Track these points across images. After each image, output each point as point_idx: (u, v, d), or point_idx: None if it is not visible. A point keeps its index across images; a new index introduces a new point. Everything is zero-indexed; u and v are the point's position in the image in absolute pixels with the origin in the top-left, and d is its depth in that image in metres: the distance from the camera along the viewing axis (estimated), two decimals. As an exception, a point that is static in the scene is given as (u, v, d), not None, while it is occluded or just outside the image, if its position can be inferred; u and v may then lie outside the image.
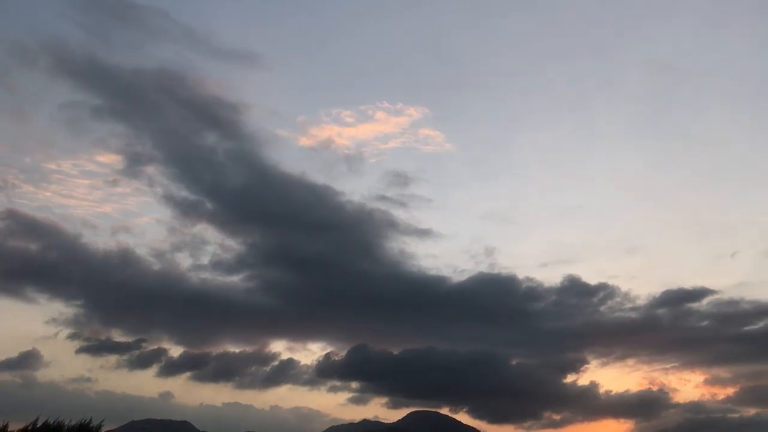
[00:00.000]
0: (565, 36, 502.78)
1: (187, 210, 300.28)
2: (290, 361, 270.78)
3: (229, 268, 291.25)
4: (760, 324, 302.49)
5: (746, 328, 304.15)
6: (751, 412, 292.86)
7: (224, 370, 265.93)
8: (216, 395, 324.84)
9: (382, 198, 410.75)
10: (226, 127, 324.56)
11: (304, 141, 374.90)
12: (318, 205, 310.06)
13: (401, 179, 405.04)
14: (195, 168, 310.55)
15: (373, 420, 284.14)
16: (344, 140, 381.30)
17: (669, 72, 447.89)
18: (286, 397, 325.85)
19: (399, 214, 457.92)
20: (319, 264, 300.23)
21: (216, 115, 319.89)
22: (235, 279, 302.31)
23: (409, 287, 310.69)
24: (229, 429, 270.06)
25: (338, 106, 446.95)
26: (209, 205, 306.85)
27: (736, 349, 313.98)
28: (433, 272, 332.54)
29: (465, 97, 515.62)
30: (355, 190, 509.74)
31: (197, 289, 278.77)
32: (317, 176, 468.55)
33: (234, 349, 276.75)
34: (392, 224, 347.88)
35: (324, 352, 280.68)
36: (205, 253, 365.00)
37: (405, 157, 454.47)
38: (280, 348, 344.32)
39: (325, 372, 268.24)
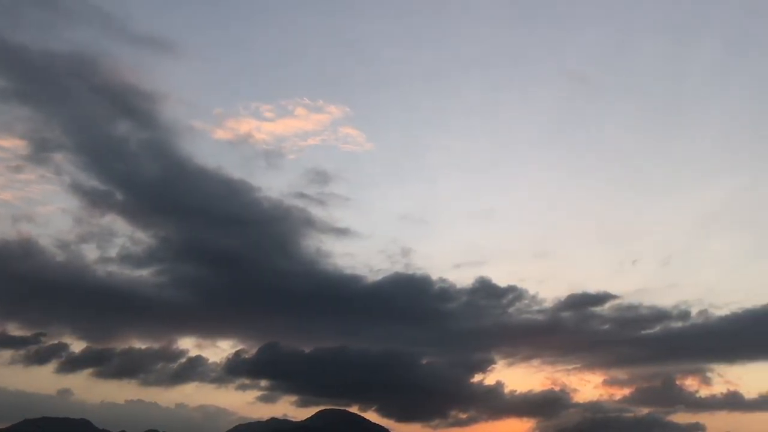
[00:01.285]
0: (481, 43, 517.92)
1: (95, 200, 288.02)
2: (199, 358, 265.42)
3: (139, 261, 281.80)
4: (657, 328, 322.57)
5: (644, 332, 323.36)
6: (644, 411, 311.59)
7: (129, 367, 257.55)
8: (119, 392, 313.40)
9: (301, 195, 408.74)
10: (140, 116, 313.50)
11: (221, 134, 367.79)
12: (234, 200, 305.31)
13: (321, 177, 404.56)
14: (106, 157, 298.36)
15: (282, 418, 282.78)
16: (263, 135, 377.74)
17: (581, 83, 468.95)
18: (193, 395, 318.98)
19: (317, 212, 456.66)
20: (233, 260, 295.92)
21: (130, 104, 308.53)
22: (144, 273, 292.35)
23: (325, 286, 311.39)
24: (130, 427, 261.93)
25: (257, 100, 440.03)
26: (119, 196, 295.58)
27: (634, 351, 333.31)
28: (349, 271, 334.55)
29: (384, 98, 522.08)
30: (273, 186, 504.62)
31: (103, 282, 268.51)
32: (234, 170, 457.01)
33: (140, 345, 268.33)
34: (310, 222, 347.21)
35: (234, 350, 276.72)
36: (114, 245, 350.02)
37: (325, 155, 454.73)
38: (188, 345, 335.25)
39: (235, 370, 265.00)
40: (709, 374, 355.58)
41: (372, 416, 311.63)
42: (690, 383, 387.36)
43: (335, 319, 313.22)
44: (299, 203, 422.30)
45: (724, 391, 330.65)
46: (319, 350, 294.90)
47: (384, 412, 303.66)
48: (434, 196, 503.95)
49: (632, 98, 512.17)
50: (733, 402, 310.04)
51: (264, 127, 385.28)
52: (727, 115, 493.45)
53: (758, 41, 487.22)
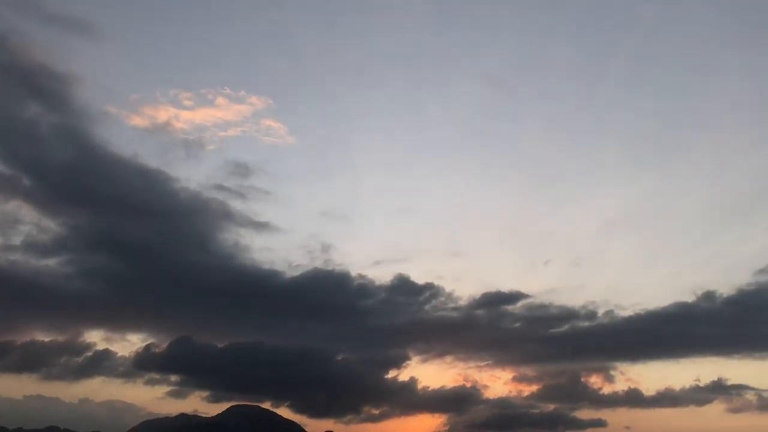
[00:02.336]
0: (403, 40, 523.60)
1: None
2: (106, 351, 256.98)
3: (45, 250, 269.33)
4: (565, 327, 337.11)
5: (552, 331, 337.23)
6: (550, 407, 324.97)
7: (30, 361, 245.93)
8: (17, 387, 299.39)
9: (220, 188, 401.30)
10: (51, 98, 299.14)
11: (137, 121, 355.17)
12: (149, 189, 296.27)
13: (241, 170, 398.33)
14: (12, 140, 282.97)
15: (192, 414, 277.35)
16: (181, 124, 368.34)
17: (498, 86, 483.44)
18: (99, 390, 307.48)
19: (236, 205, 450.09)
20: (147, 252, 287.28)
21: (41, 85, 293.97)
22: (51, 263, 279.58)
23: (242, 280, 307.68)
24: (29, 423, 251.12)
25: (176, 87, 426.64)
26: (26, 182, 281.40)
27: (542, 349, 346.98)
28: (267, 266, 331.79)
29: (308, 92, 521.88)
30: (192, 177, 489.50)
31: (5, 271, 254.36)
32: (150, 159, 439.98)
33: (43, 337, 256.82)
34: (228, 215, 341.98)
35: (144, 344, 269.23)
36: (18, 232, 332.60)
37: (245, 146, 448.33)
38: (96, 338, 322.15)
39: (144, 364, 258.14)
40: (612, 372, 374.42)
41: (285, 412, 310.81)
42: (594, 380, 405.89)
43: (251, 314, 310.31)
44: (218, 196, 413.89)
45: (625, 388, 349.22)
46: (234, 345, 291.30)
47: (297, 408, 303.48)
48: (356, 192, 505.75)
49: (546, 104, 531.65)
50: (634, 398, 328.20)
51: (183, 115, 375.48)
52: (633, 123, 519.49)
53: (665, 54, 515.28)
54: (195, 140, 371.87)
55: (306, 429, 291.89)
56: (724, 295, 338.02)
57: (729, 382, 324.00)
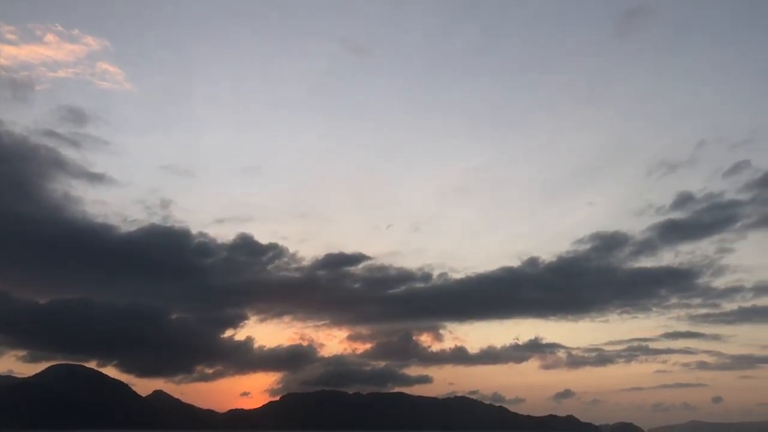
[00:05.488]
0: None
1: None
2: None
3: None
4: (402, 288, 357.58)
5: (390, 291, 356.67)
6: (381, 364, 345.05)
7: None
8: None
9: (51, 134, 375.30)
10: None
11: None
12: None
13: (76, 116, 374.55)
14: None
15: (5, 374, 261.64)
16: (3, 59, 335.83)
17: (354, 52, 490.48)
18: None
19: (69, 153, 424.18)
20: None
21: None
22: None
23: (70, 234, 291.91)
24: None
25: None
26: None
27: (378, 309, 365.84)
28: (100, 220, 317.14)
29: (149, 37, 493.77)
30: (18, 120, 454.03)
31: None
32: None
33: None
34: (59, 164, 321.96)
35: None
36: None
37: (81, 92, 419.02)
38: None
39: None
40: (441, 331, 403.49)
41: (111, 371, 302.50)
42: (425, 339, 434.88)
43: (79, 270, 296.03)
44: (48, 142, 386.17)
45: (453, 346, 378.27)
46: (58, 302, 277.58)
47: (125, 367, 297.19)
48: (200, 147, 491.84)
49: (399, 73, 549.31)
50: (459, 356, 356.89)
51: (5, 50, 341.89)
52: (478, 97, 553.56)
53: (507, 34, 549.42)
54: (22, 80, 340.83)
55: (134, 389, 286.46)
56: (546, 262, 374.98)
57: (544, 341, 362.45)
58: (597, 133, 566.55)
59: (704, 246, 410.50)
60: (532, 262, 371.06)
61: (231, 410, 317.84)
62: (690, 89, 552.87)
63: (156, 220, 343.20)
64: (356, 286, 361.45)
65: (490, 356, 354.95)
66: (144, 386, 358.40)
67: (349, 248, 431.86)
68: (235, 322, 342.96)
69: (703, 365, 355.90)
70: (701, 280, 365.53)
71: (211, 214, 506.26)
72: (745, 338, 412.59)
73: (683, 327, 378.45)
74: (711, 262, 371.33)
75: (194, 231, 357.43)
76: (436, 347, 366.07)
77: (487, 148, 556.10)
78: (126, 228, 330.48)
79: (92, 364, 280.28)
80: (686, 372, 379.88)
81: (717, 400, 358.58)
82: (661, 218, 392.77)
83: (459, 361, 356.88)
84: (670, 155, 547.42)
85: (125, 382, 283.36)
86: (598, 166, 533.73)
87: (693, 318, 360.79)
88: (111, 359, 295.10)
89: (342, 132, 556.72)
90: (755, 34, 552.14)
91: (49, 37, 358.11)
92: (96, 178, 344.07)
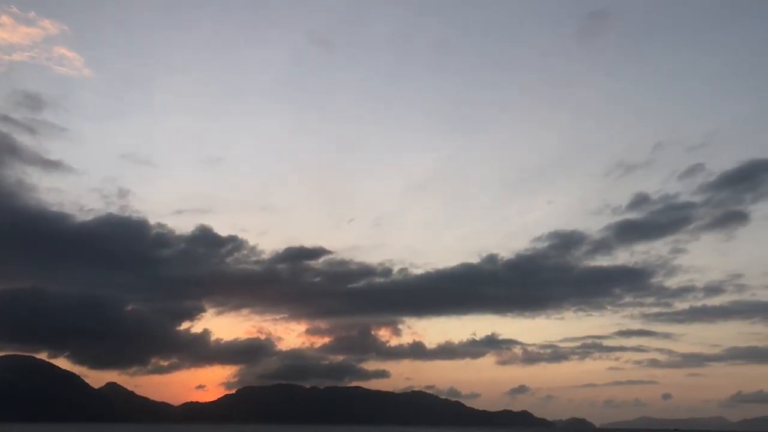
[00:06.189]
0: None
1: None
2: None
3: None
4: (362, 283, 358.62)
5: (350, 286, 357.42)
6: (339, 358, 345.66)
7: None
8: None
9: (5, 119, 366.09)
10: None
11: None
12: None
13: (32, 101, 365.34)
14: None
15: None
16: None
17: (320, 45, 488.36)
18: None
19: (24, 140, 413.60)
20: None
21: None
22: None
23: (23, 222, 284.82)
24: None
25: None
26: None
27: (338, 303, 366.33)
28: (54, 208, 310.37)
29: (108, 22, 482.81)
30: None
31: None
32: None
33: None
34: (13, 150, 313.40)
35: None
36: None
37: (37, 77, 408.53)
38: None
39: None
40: (400, 326, 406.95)
41: (63, 363, 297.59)
42: (383, 334, 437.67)
43: (31, 259, 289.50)
44: (2, 128, 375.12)
45: (411, 341, 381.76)
46: (7, 291, 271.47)
47: (77, 359, 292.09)
48: (160, 136, 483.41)
49: (363, 67, 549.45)
50: (417, 351, 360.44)
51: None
52: (440, 93, 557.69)
53: (470, 34, 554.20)
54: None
55: (86, 380, 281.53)
56: (505, 258, 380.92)
57: (501, 337, 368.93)
58: (557, 133, 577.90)
59: (658, 246, 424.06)
60: (491, 258, 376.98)
61: (186, 403, 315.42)
62: (648, 92, 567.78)
63: (113, 209, 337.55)
64: (316, 280, 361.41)
65: (447, 351, 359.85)
66: (97, 378, 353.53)
67: (310, 242, 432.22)
68: (192, 314, 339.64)
69: (654, 363, 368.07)
70: (655, 280, 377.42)
71: (170, 204, 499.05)
72: (695, 337, 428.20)
73: (636, 325, 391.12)
74: (665, 262, 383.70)
75: (152, 221, 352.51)
76: (394, 342, 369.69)
77: (449, 144, 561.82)
78: (82, 217, 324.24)
79: (43, 356, 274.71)
80: (638, 369, 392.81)
81: (666, 396, 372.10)
82: (618, 218, 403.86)
83: (416, 356, 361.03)
84: (627, 156, 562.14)
85: (77, 373, 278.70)
86: (558, 166, 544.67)
87: (646, 317, 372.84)
88: (63, 350, 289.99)
89: (305, 124, 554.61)
90: (713, 40, 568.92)
91: (4, 19, 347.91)
92: (52, 166, 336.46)
